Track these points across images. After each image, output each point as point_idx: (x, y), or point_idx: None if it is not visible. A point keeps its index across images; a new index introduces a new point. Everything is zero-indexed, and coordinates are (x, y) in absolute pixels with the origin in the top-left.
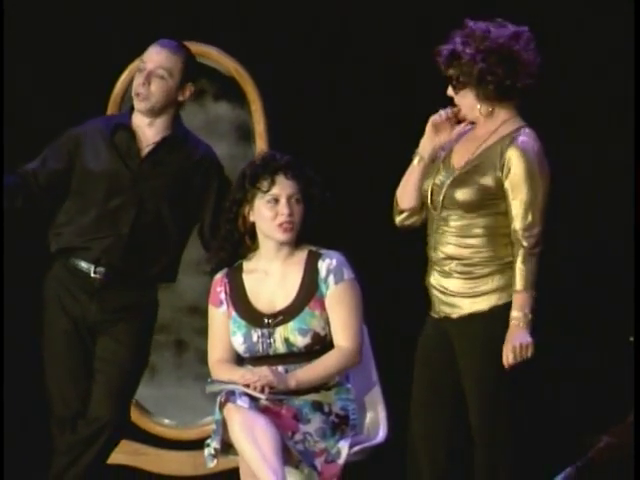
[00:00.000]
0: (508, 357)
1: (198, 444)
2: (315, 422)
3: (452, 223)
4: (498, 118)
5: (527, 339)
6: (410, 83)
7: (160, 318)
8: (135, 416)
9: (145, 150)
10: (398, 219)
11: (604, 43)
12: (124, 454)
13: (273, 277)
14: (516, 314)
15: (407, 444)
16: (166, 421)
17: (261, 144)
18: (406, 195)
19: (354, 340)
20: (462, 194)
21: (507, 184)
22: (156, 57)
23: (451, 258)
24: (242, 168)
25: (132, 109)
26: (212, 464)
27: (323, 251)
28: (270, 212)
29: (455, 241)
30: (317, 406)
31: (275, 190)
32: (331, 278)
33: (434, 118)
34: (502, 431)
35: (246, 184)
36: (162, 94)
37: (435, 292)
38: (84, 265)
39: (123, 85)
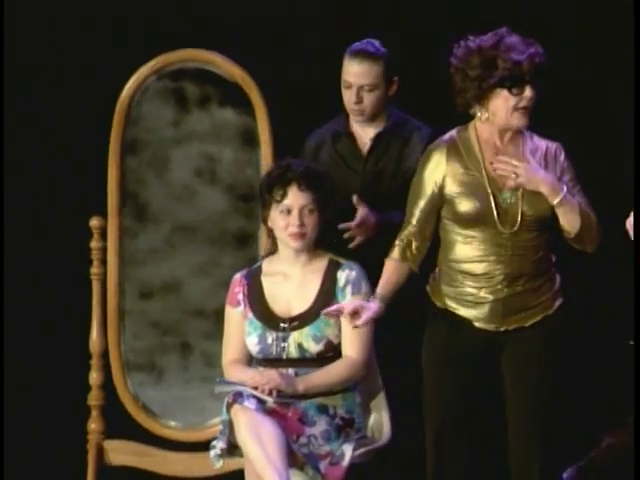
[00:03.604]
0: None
1: (204, 446)
2: (320, 425)
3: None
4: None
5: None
6: (417, 89)
7: (166, 321)
8: (141, 418)
9: (364, 150)
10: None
11: (604, 43)
12: (130, 455)
13: (292, 282)
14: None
15: (433, 444)
16: (172, 423)
17: (266, 149)
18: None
19: (363, 353)
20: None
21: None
22: (358, 73)
23: (521, 275)
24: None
25: (347, 114)
26: (218, 465)
27: (343, 261)
28: (283, 222)
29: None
30: (323, 409)
31: (287, 201)
32: (349, 288)
33: None
34: (543, 432)
35: (263, 192)
36: (373, 104)
37: (493, 306)
38: None
39: (130, 92)
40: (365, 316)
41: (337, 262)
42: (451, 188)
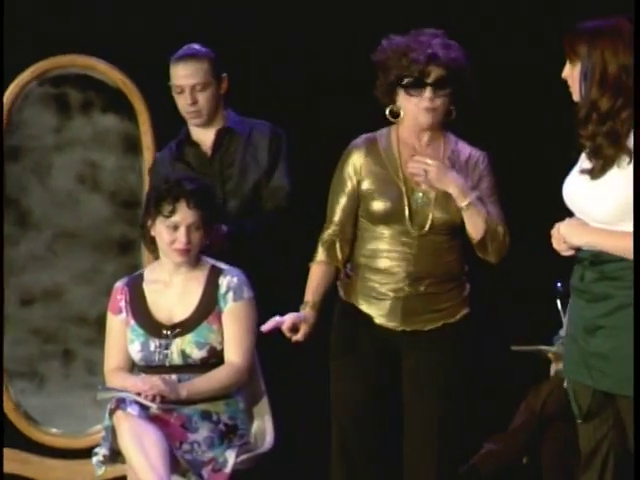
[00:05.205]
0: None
1: (86, 453)
2: (203, 431)
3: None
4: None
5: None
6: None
7: (48, 328)
8: (22, 425)
9: (208, 152)
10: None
11: None
12: (11, 462)
13: (174, 289)
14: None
15: (337, 446)
16: (54, 430)
17: (149, 156)
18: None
19: (246, 358)
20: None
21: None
22: (187, 74)
23: (426, 276)
24: (155, 181)
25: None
26: (100, 471)
27: (225, 267)
28: (169, 237)
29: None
30: (206, 415)
31: (175, 218)
32: (230, 295)
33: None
34: (434, 434)
35: (150, 205)
36: (209, 102)
37: (393, 303)
38: None
39: (10, 98)
40: (303, 330)
41: (219, 268)
42: (366, 185)
